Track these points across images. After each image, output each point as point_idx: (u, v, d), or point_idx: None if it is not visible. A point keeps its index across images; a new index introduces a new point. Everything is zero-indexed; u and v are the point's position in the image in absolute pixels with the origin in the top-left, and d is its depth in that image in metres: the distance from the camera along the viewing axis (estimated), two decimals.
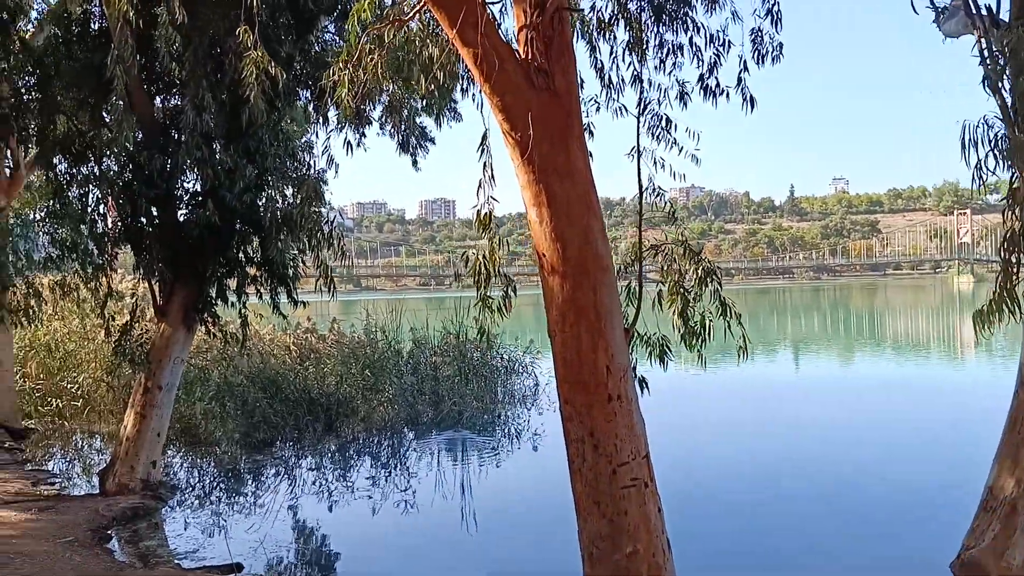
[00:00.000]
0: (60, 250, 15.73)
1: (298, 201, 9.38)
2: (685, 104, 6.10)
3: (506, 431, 16.45)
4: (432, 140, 15.01)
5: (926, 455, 13.35)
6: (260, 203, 10.49)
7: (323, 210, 8.39)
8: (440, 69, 6.68)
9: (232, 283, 10.95)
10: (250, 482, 12.58)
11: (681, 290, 5.95)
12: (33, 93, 11.49)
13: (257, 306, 12.41)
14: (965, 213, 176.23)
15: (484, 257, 5.28)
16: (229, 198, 9.98)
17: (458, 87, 7.19)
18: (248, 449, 14.05)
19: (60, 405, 16.88)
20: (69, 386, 17.19)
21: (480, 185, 5.15)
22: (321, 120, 9.45)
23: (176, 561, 8.51)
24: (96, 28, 11.13)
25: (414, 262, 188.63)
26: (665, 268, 6.19)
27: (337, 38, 11.50)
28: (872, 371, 26.38)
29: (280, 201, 10.20)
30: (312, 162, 9.99)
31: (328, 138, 8.98)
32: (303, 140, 11.85)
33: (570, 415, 6.07)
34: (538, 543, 9.54)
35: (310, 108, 11.03)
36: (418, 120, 14.16)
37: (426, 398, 17.13)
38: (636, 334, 6.21)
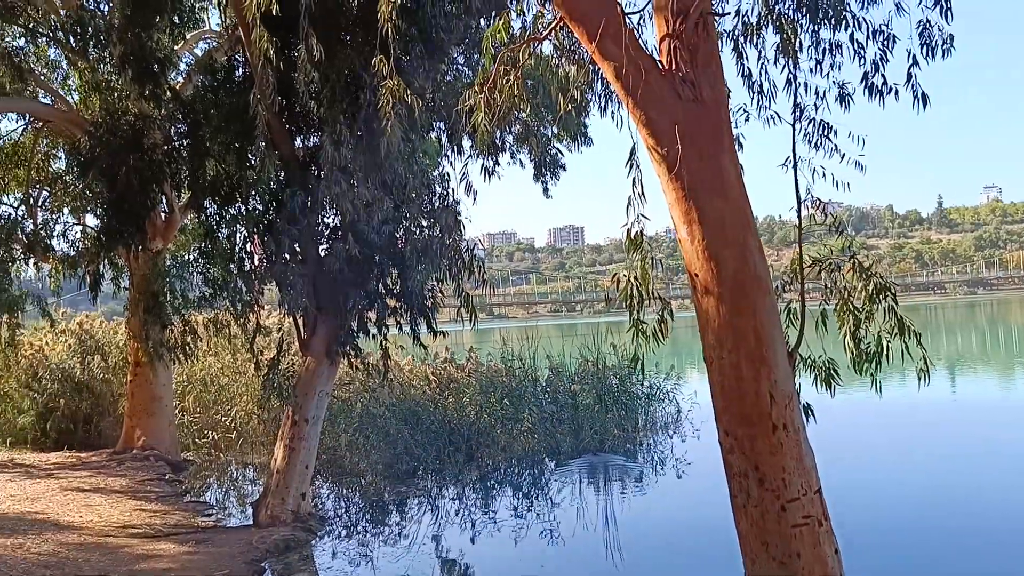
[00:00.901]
0: (212, 288, 16.46)
1: (436, 232, 9.33)
2: (848, 106, 5.63)
3: (649, 458, 15.94)
4: (563, 166, 14.89)
5: None
6: (398, 235, 10.55)
7: (461, 239, 8.26)
8: (577, 88, 6.45)
9: (372, 315, 11.04)
10: (395, 513, 12.59)
11: (852, 308, 5.44)
12: (184, 140, 12.03)
13: (396, 337, 12.47)
14: None
15: (635, 278, 4.95)
16: (367, 231, 10.07)
17: (595, 106, 6.93)
18: (391, 480, 14.11)
19: (216, 437, 17.55)
20: (223, 419, 17.86)
21: (629, 202, 4.85)
22: (455, 149, 9.41)
23: None
24: (240, 75, 11.58)
25: (544, 289, 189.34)
26: (830, 285, 5.70)
27: (467, 69, 11.53)
28: None
29: (417, 232, 10.23)
30: (449, 191, 9.94)
31: (466, 165, 8.90)
32: (437, 172, 11.94)
33: (731, 447, 5.65)
34: None
35: (443, 138, 11.07)
36: (550, 147, 14.08)
37: (565, 427, 16.82)
38: (799, 358, 5.74)
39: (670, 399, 18.95)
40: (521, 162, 14.14)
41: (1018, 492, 11.67)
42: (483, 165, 7.61)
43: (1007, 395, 24.41)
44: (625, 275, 4.99)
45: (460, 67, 11.64)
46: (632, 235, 4.92)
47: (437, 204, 10.58)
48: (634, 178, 4.91)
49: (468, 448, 15.45)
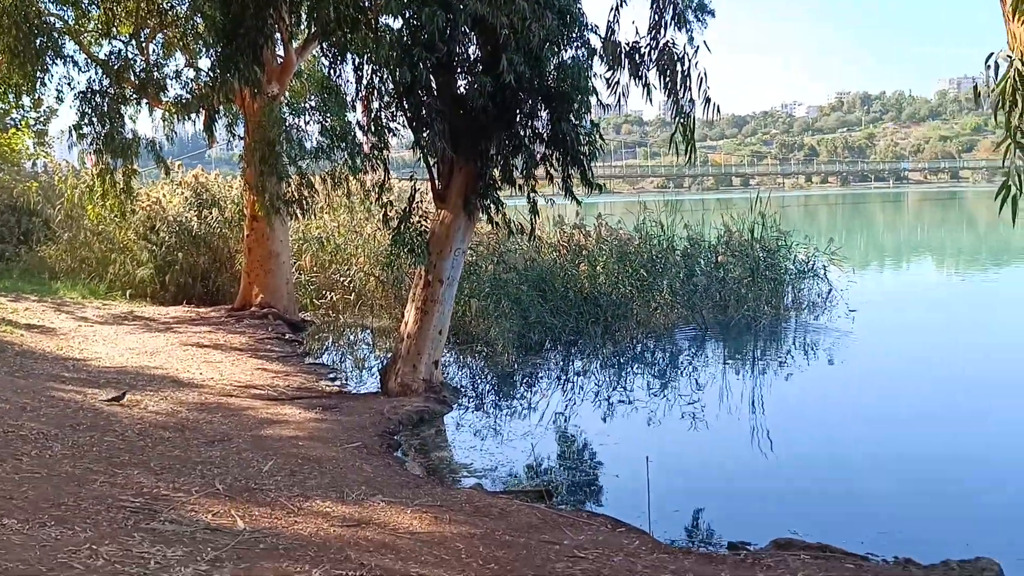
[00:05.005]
0: (329, 139, 15.31)
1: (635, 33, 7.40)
2: None
3: (800, 340, 14.37)
4: (712, 12, 12.78)
5: None
6: (553, 64, 8.93)
7: (685, 34, 6.54)
8: None
9: (517, 163, 9.59)
10: (533, 388, 11.46)
11: None
12: None
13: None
14: None
15: (1021, 62, 3.14)
16: (517, 61, 8.46)
17: None
18: (524, 351, 12.97)
19: (334, 298, 16.77)
20: (341, 279, 17.04)
21: None
22: None
23: (475, 480, 7.41)
24: None
25: (652, 164, 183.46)
26: None
27: None
28: None
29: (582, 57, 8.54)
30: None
31: None
32: None
33: None
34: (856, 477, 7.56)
35: None
36: None
37: (711, 301, 15.32)
38: None
39: (822, 276, 17.08)
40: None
41: None
42: None
43: None
44: (1010, 56, 3.16)
45: None
46: None
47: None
48: None
49: (605, 320, 14.14)
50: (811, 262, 16.69)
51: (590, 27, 9.31)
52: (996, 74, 3.16)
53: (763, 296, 15.46)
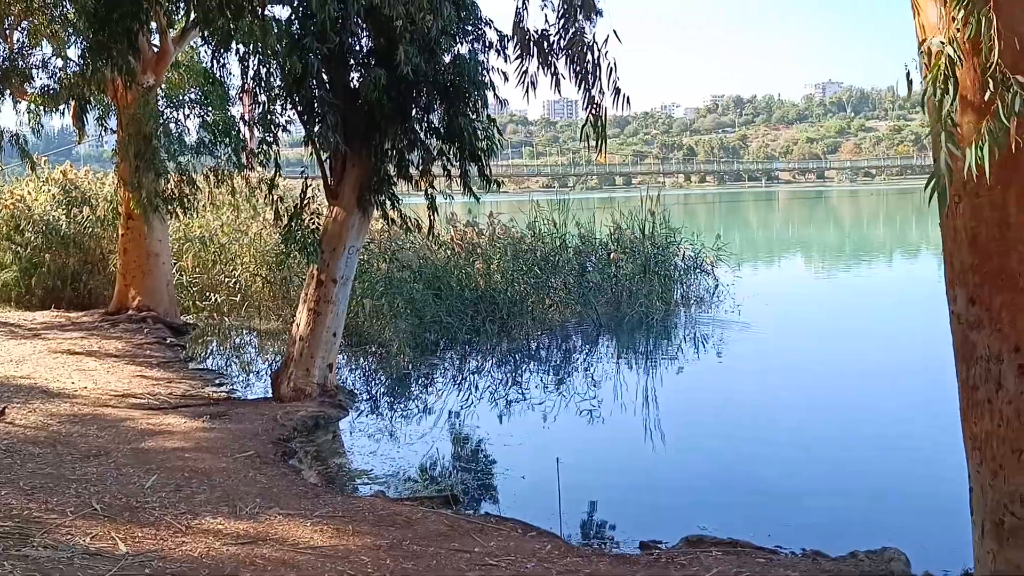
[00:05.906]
0: (211, 134, 14.62)
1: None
2: None
3: (690, 334, 14.66)
4: (600, 12, 12.86)
5: None
6: (446, 60, 8.72)
7: (588, 27, 6.44)
8: None
9: (413, 159, 9.33)
10: (431, 389, 11.20)
11: None
12: None
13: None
14: None
15: (953, 48, 3.05)
16: (412, 53, 8.20)
17: None
18: (420, 351, 12.70)
19: (218, 300, 16.03)
20: (226, 280, 16.32)
21: None
22: None
23: (377, 487, 7.12)
24: None
25: (538, 163, 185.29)
26: None
27: None
28: None
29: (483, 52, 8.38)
30: None
31: None
32: None
33: (978, 321, 4.08)
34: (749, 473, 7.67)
35: None
36: None
37: (605, 297, 15.44)
38: None
39: (709, 271, 17.48)
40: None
41: None
42: None
43: None
44: (941, 43, 3.11)
45: None
46: None
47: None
48: None
49: (501, 318, 14.02)
50: (698, 258, 17.04)
51: (485, 20, 9.16)
52: (929, 62, 3.14)
53: (654, 292, 15.68)
